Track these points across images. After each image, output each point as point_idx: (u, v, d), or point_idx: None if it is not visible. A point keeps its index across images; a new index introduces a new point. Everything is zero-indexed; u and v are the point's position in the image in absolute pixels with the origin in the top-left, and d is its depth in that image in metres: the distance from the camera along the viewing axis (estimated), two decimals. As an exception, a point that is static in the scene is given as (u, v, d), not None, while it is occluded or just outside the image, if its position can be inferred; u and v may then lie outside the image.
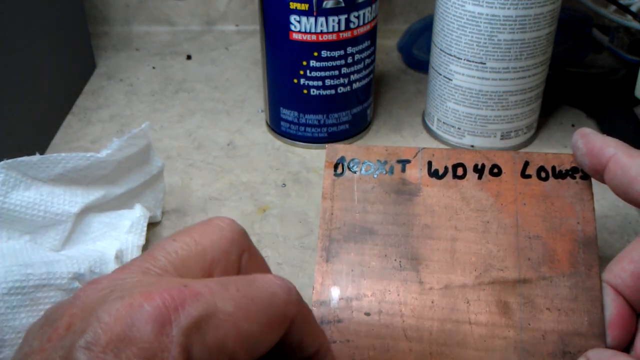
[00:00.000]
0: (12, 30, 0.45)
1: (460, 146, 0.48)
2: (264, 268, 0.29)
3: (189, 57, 0.63)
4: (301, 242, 0.40)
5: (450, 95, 0.47)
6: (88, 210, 0.37)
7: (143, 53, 0.64)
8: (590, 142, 0.32)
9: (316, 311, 0.31)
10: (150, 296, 0.23)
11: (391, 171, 0.35)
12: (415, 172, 0.35)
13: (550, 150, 0.49)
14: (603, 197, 0.44)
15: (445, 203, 0.34)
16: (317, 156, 0.48)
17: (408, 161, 0.35)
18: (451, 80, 0.46)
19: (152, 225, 0.41)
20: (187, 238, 0.26)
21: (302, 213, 0.43)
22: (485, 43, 0.43)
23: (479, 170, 0.35)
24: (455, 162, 0.35)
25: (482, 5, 0.42)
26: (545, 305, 0.32)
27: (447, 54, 0.46)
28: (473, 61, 0.45)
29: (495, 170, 0.35)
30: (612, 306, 0.31)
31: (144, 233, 0.38)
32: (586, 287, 0.32)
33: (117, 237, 0.37)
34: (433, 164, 0.35)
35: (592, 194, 0.34)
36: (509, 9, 0.42)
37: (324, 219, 0.34)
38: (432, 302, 0.32)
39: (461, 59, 0.45)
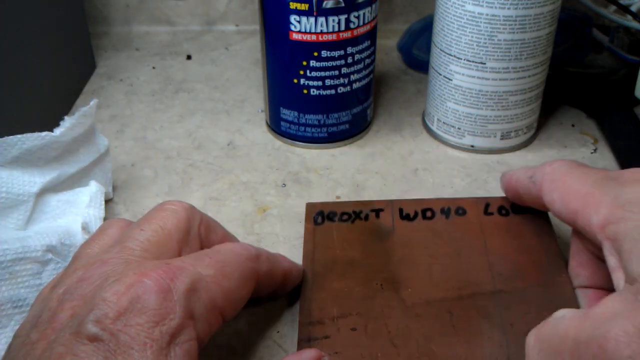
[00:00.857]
0: (12, 30, 0.45)
1: (460, 146, 0.48)
2: (219, 231, 0.33)
3: (189, 57, 0.63)
4: (301, 242, 0.40)
5: (450, 95, 0.47)
6: (45, 190, 0.38)
7: (143, 53, 0.64)
8: (505, 181, 0.38)
9: (303, 330, 0.33)
10: (146, 273, 0.25)
11: (366, 218, 0.39)
12: (389, 218, 0.39)
13: (550, 150, 0.49)
14: (603, 197, 0.44)
15: (419, 237, 0.38)
16: (317, 156, 0.48)
17: (381, 209, 0.39)
18: (451, 80, 0.46)
19: (105, 202, 0.42)
20: (153, 226, 0.29)
21: (302, 213, 0.43)
22: (485, 43, 0.43)
23: (445, 212, 0.39)
24: (424, 207, 0.39)
25: (482, 5, 0.42)
26: (524, 310, 0.33)
27: (447, 54, 0.46)
28: (473, 61, 0.45)
29: (460, 211, 0.39)
30: (591, 294, 0.32)
31: (103, 206, 0.40)
32: (560, 291, 0.34)
33: (77, 212, 0.39)
34: (404, 210, 0.39)
35: (549, 220, 0.38)
36: (509, 9, 0.42)
37: (307, 258, 0.37)
38: (416, 315, 0.33)
39: (461, 59, 0.45)
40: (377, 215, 0.39)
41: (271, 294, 0.34)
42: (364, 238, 0.38)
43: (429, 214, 0.39)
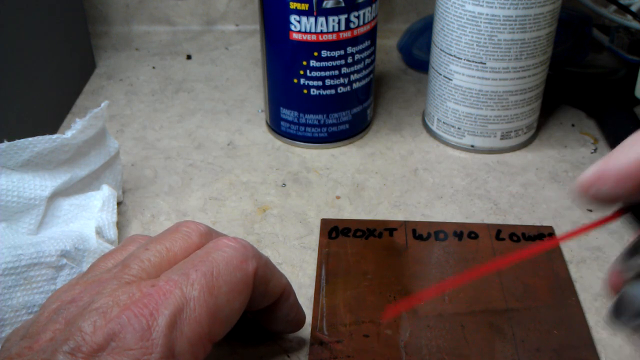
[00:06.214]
0: (12, 30, 0.45)
1: (460, 146, 0.48)
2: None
3: (189, 57, 0.63)
4: (301, 242, 0.40)
5: (450, 95, 0.47)
6: (56, 194, 0.38)
7: (143, 53, 0.64)
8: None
9: (315, 334, 0.33)
10: (126, 307, 0.24)
11: (380, 236, 0.40)
12: (402, 236, 0.40)
13: (550, 150, 0.49)
14: (603, 197, 0.44)
15: (432, 256, 0.39)
16: (317, 156, 0.48)
17: (395, 229, 0.40)
18: (451, 80, 0.46)
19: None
20: (158, 246, 0.28)
21: (302, 213, 0.43)
22: (485, 43, 0.43)
23: (458, 235, 0.40)
24: (437, 229, 0.40)
25: (482, 5, 0.42)
26: (535, 327, 0.34)
27: (447, 54, 0.46)
28: (473, 61, 0.45)
29: (473, 235, 0.40)
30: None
31: (116, 210, 0.39)
32: (570, 313, 0.35)
33: (89, 217, 0.38)
34: (417, 230, 0.40)
35: (560, 248, 0.39)
36: (509, 9, 0.42)
37: (321, 266, 0.38)
38: (428, 326, 0.34)
39: (461, 59, 0.45)
40: (391, 234, 0.40)
41: (267, 319, 0.32)
42: (377, 253, 0.39)
43: (441, 235, 0.40)
